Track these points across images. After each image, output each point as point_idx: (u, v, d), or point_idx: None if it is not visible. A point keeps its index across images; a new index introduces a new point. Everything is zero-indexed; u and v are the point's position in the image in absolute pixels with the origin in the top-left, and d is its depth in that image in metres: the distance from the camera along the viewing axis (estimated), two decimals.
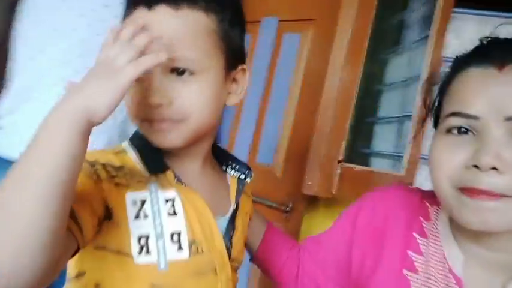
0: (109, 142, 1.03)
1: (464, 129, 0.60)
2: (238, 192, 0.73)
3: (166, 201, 0.61)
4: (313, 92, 1.29)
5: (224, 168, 0.76)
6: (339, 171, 1.13)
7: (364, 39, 1.17)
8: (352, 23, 1.13)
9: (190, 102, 0.59)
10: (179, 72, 0.59)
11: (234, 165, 0.75)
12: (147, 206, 0.60)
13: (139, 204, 0.60)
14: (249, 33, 0.75)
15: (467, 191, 0.58)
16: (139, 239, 0.58)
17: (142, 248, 0.58)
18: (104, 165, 0.60)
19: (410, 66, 1.79)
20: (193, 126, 0.61)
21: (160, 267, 0.58)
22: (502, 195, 0.55)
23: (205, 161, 0.71)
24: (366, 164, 1.56)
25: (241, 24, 0.67)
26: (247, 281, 1.35)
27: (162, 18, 0.57)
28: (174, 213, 0.61)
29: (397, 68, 1.85)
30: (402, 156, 1.68)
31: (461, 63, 0.65)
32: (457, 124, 0.60)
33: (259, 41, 1.44)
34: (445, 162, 0.60)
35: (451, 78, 0.66)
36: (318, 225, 1.31)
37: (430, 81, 0.74)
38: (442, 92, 0.68)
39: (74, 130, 0.43)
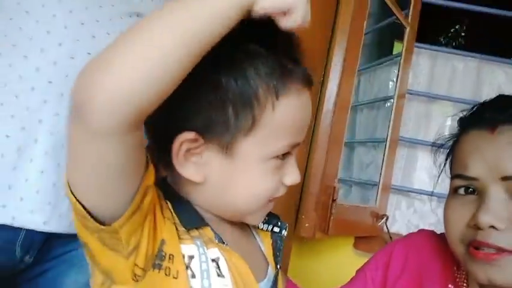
0: None
1: (471, 189, 0.63)
2: (278, 249, 0.63)
3: (212, 260, 0.52)
4: None
5: None
6: (334, 210, 1.06)
7: (356, 58, 1.14)
8: (343, 52, 1.07)
9: None
10: None
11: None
12: (194, 264, 0.50)
13: (187, 260, 0.50)
14: None
15: (471, 251, 0.60)
16: None
17: None
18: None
19: (358, 92, 1.85)
20: None
21: None
22: (502, 251, 0.58)
23: None
24: None
25: None
26: None
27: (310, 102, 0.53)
28: (221, 275, 0.52)
29: None
30: (353, 181, 1.73)
31: (463, 125, 0.68)
32: (461, 184, 0.64)
33: None
34: (453, 222, 0.64)
35: (456, 140, 0.69)
36: (308, 267, 1.23)
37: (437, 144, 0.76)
38: (451, 153, 0.71)
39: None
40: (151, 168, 0.47)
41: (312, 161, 1.07)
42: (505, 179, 0.58)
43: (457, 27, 3.29)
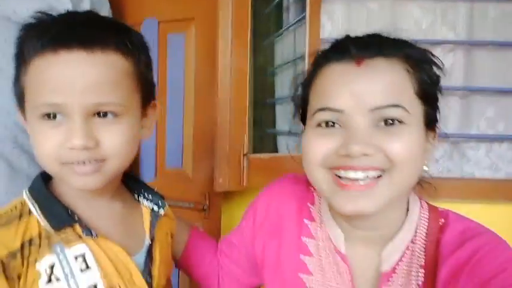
0: (1, 152, 1.01)
1: (332, 123, 0.64)
2: (152, 225, 0.72)
3: (76, 257, 0.61)
4: (207, 88, 1.31)
5: (136, 197, 0.75)
6: (245, 164, 1.20)
7: (246, 28, 1.23)
8: (231, 15, 1.18)
9: (114, 143, 0.60)
10: (102, 114, 0.60)
11: (146, 195, 0.75)
12: (57, 270, 0.60)
13: (49, 270, 0.59)
14: None
15: (340, 183, 0.63)
16: None
17: None
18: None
19: (295, 47, 1.92)
20: (113, 166, 0.62)
21: None
22: (374, 177, 0.61)
23: (114, 194, 0.70)
24: (275, 144, 1.70)
25: (151, 63, 0.71)
26: (177, 284, 1.40)
27: (78, 62, 0.57)
28: (87, 267, 0.61)
29: (285, 49, 1.97)
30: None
31: (322, 59, 0.68)
32: (325, 118, 0.64)
33: None
34: (317, 149, 0.64)
35: (314, 74, 0.68)
36: (238, 217, 1.39)
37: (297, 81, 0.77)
38: (307, 87, 0.70)
39: None
40: None
41: (217, 123, 1.21)
42: (372, 110, 0.60)
43: None
